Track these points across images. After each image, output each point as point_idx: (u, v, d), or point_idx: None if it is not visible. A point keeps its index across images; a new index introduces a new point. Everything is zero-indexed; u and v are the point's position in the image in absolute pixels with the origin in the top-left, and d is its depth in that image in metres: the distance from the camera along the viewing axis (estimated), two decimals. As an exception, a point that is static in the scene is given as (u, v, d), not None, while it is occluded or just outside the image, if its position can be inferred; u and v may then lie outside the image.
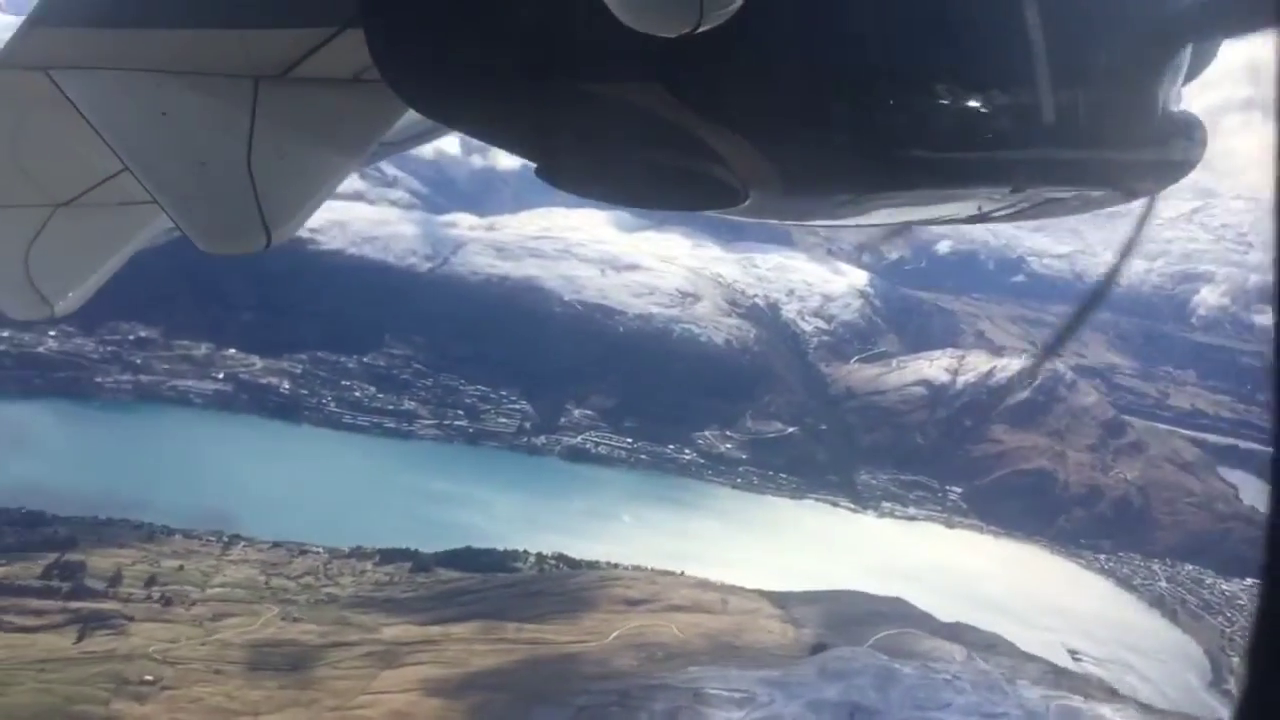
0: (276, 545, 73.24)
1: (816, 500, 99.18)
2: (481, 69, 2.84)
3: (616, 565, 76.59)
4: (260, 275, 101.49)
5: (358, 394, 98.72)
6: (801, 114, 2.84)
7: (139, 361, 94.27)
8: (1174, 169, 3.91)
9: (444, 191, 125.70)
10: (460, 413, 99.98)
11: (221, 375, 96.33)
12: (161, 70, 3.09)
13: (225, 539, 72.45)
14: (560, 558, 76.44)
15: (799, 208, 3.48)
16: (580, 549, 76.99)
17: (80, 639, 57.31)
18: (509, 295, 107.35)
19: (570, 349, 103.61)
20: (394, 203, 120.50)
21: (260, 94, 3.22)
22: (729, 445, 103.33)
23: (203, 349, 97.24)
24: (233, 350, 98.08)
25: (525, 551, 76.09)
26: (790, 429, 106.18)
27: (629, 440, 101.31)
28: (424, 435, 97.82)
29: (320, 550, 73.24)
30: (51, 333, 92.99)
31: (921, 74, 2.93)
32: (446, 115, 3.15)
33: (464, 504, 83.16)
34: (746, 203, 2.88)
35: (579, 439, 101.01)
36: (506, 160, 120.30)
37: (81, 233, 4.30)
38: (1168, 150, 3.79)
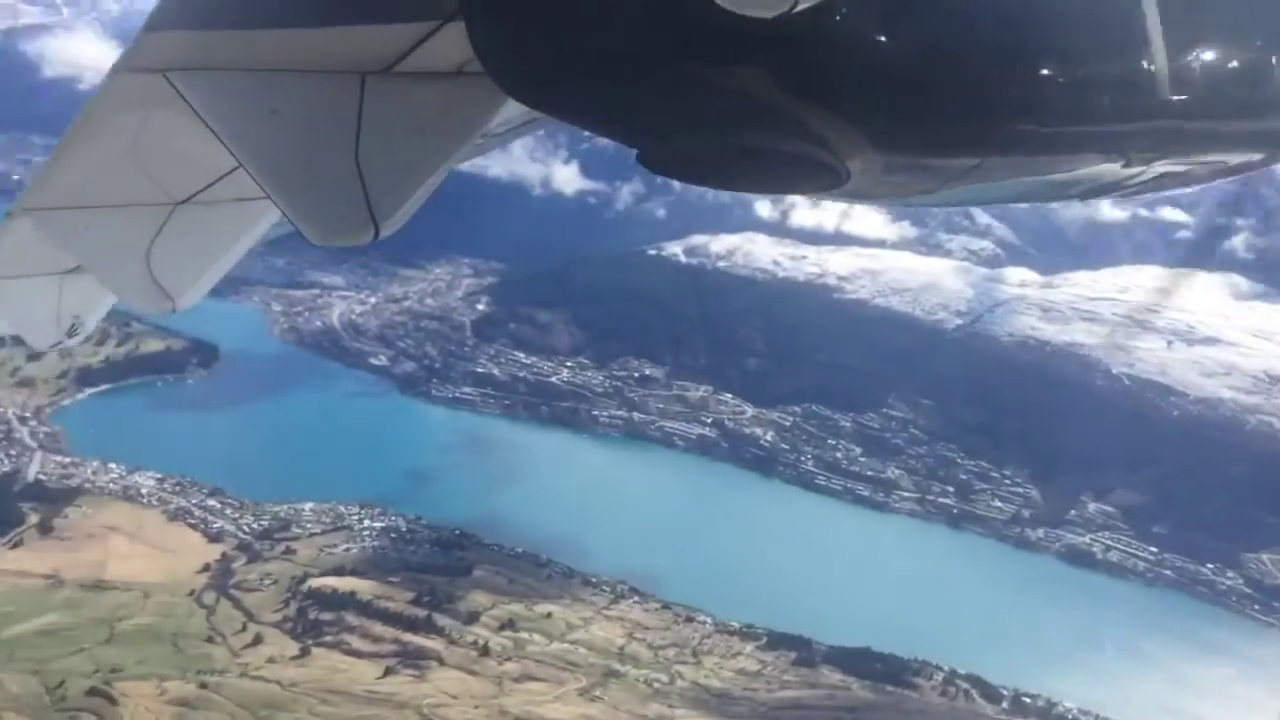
0: (666, 607, 78.27)
1: None
2: (581, 57, 3.22)
3: (1052, 706, 70.79)
4: (774, 320, 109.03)
5: (839, 454, 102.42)
6: (903, 91, 3.17)
7: (637, 399, 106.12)
8: None
9: (1043, 243, 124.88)
10: (949, 489, 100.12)
11: (710, 420, 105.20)
12: (271, 69, 3.67)
13: (620, 591, 79.13)
14: (974, 681, 72.48)
15: (902, 187, 3.87)
16: (1021, 677, 72.30)
17: (383, 675, 65.87)
18: (1044, 361, 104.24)
19: (1104, 430, 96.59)
20: (974, 253, 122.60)
21: (366, 89, 3.76)
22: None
23: (700, 391, 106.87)
24: (729, 395, 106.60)
25: (937, 666, 73.42)
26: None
27: (1153, 550, 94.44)
28: (899, 509, 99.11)
29: (708, 621, 77.10)
30: (569, 364, 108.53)
31: (1028, 44, 3.26)
32: (547, 105, 3.54)
33: (905, 593, 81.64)
34: (848, 183, 3.31)
35: (1086, 539, 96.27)
36: (1115, 211, 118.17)
37: (200, 229, 5.19)
38: None
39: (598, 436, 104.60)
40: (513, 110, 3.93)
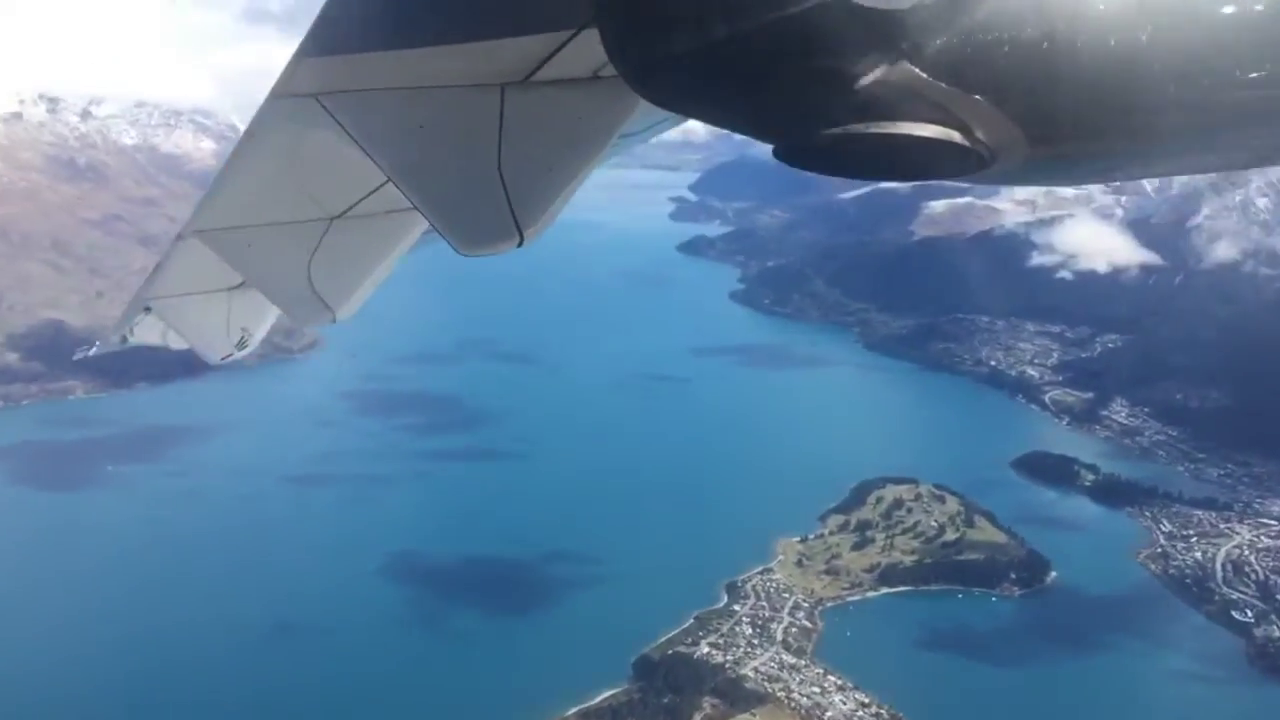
0: None
1: None
2: (713, 56, 3.35)
3: None
4: None
5: None
6: (1045, 74, 3.22)
7: None
8: None
9: None
10: None
11: None
12: (416, 87, 4.12)
13: None
14: None
15: (1052, 171, 3.83)
16: None
17: None
18: None
19: None
20: None
21: (506, 100, 4.17)
22: None
23: None
24: None
25: None
26: None
27: None
28: None
29: None
30: None
31: (1179, 9, 3.24)
32: (682, 105, 3.69)
33: None
34: (993, 167, 3.41)
35: None
36: None
37: (355, 242, 5.93)
38: None
39: None
40: (648, 110, 4.15)
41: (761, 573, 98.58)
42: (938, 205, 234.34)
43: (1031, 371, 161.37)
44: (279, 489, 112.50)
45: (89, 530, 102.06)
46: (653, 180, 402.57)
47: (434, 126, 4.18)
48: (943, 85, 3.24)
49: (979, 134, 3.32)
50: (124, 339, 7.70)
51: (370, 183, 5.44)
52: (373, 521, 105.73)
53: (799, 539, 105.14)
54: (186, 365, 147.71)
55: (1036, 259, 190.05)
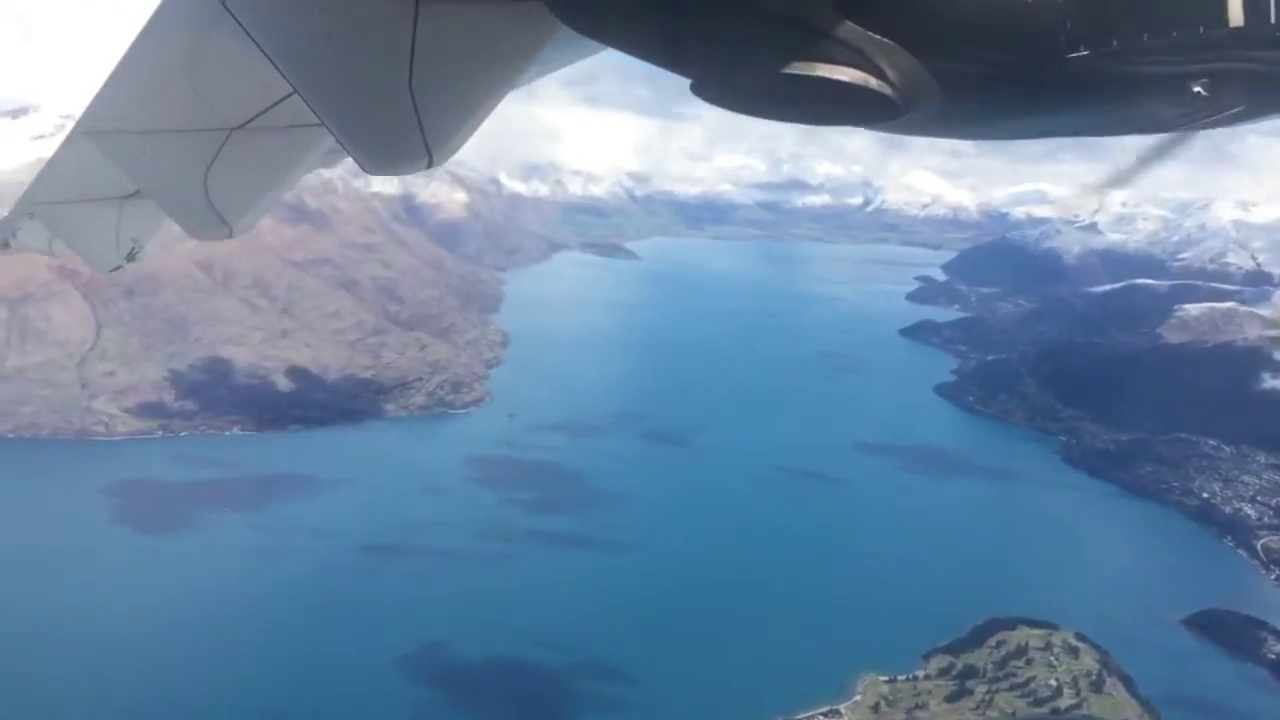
0: None
1: None
2: None
3: None
4: None
5: None
6: (964, 24, 3.30)
7: None
8: None
9: None
10: None
11: None
12: None
13: None
14: None
15: (961, 121, 3.86)
16: None
17: None
18: None
19: None
20: None
21: (420, 15, 3.93)
22: None
23: None
24: None
25: None
26: None
27: None
28: None
29: None
30: None
31: None
32: (601, 32, 3.65)
33: None
34: (906, 116, 3.43)
35: None
36: None
37: (256, 155, 5.52)
38: None
39: None
40: (567, 36, 4.03)
41: (826, 714, 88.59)
42: (1193, 309, 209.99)
43: (1250, 510, 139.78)
44: (352, 558, 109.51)
45: (142, 582, 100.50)
46: (907, 256, 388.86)
47: (344, 37, 3.91)
48: (861, 29, 3.21)
49: (895, 81, 3.30)
50: (5, 244, 7.35)
51: (274, 93, 5.19)
52: (425, 604, 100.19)
53: (888, 678, 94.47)
54: (344, 414, 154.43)
55: (1272, 381, 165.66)
